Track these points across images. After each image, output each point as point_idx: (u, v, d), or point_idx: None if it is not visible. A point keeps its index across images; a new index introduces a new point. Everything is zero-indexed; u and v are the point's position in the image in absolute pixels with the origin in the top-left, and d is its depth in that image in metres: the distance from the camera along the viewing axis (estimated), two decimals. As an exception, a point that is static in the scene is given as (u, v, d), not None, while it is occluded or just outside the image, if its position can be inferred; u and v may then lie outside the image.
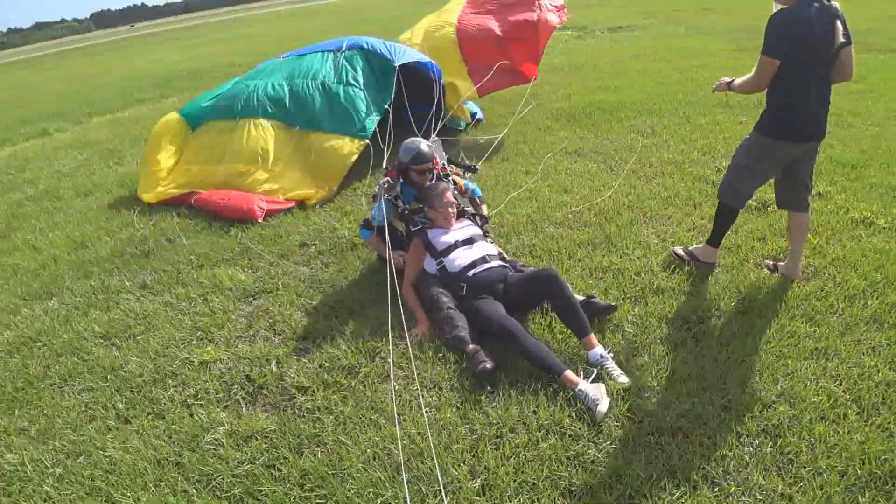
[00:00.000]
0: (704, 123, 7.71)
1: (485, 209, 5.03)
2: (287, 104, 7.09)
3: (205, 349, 4.14)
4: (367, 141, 6.69)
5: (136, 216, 6.71)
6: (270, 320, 4.37)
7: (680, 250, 4.54)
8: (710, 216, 4.81)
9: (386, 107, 6.88)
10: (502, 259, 4.24)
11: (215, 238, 5.85)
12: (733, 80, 3.99)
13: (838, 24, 3.52)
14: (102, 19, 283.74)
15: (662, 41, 14.62)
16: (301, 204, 6.39)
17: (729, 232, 4.53)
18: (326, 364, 3.80)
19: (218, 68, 19.27)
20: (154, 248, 5.83)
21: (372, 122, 6.79)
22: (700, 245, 4.47)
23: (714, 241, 4.34)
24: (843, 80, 3.75)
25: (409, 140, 4.70)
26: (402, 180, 4.68)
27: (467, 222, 4.47)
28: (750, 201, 5.27)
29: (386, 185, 4.61)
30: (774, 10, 3.61)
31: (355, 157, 6.64)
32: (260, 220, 6.02)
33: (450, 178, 4.74)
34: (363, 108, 6.86)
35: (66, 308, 4.98)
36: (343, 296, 4.53)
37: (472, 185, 4.99)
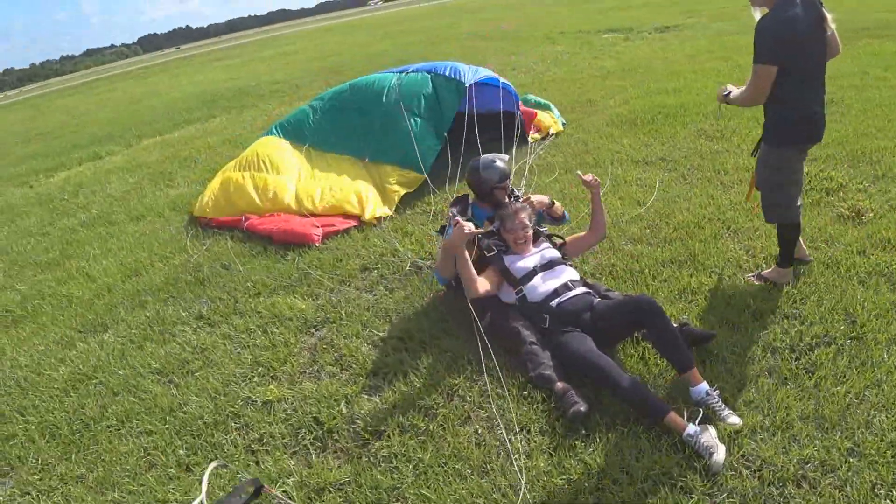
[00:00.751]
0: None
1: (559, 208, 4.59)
2: (353, 136, 7.26)
3: (267, 387, 3.88)
4: (425, 176, 6.57)
5: (189, 241, 6.53)
6: (336, 354, 4.09)
7: (753, 278, 4.17)
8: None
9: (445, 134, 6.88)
10: (585, 284, 3.87)
11: (271, 263, 5.62)
12: (730, 92, 3.89)
13: (824, 11, 3.49)
14: (150, 43, 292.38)
15: (715, 40, 14.05)
16: (359, 225, 6.13)
17: (825, 246, 4.21)
18: (401, 404, 3.49)
19: (262, 86, 19.32)
20: (209, 275, 5.63)
21: (432, 154, 6.76)
22: (771, 269, 4.14)
23: (784, 261, 4.02)
24: (833, 56, 3.71)
25: (483, 158, 4.32)
26: (470, 202, 4.37)
27: (545, 244, 4.10)
28: (843, 210, 4.87)
29: (457, 210, 4.28)
30: (756, 18, 3.54)
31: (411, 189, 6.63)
32: (317, 244, 5.77)
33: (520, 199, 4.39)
34: (425, 139, 6.82)
35: (122, 341, 4.79)
36: (411, 325, 4.23)
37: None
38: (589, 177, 4.01)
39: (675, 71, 11.11)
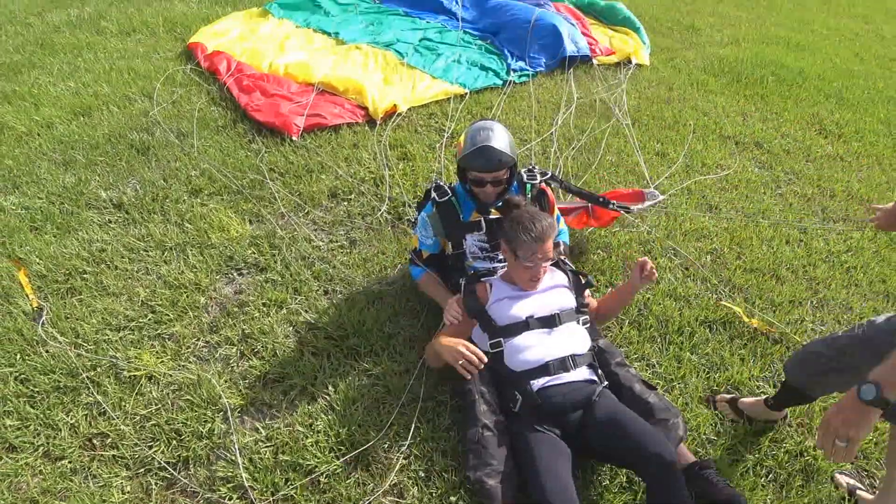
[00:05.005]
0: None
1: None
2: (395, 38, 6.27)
3: (143, 351, 2.89)
4: (466, 91, 5.43)
5: (162, 84, 5.34)
6: (247, 328, 3.04)
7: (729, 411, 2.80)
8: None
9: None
10: (596, 355, 2.64)
11: (232, 147, 4.46)
12: None
13: None
14: None
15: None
16: (360, 121, 4.88)
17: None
18: (287, 459, 2.46)
19: None
20: (156, 143, 4.51)
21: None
22: (753, 400, 2.78)
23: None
24: None
25: (478, 123, 2.87)
26: (459, 182, 3.03)
27: (559, 279, 2.76)
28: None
29: (434, 186, 3.02)
30: None
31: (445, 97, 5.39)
32: (295, 138, 4.56)
33: (544, 194, 3.05)
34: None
35: (21, 215, 3.79)
36: (354, 314, 3.12)
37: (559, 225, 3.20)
38: (647, 265, 2.58)
39: (804, 19, 9.01)
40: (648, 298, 3.35)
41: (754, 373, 2.99)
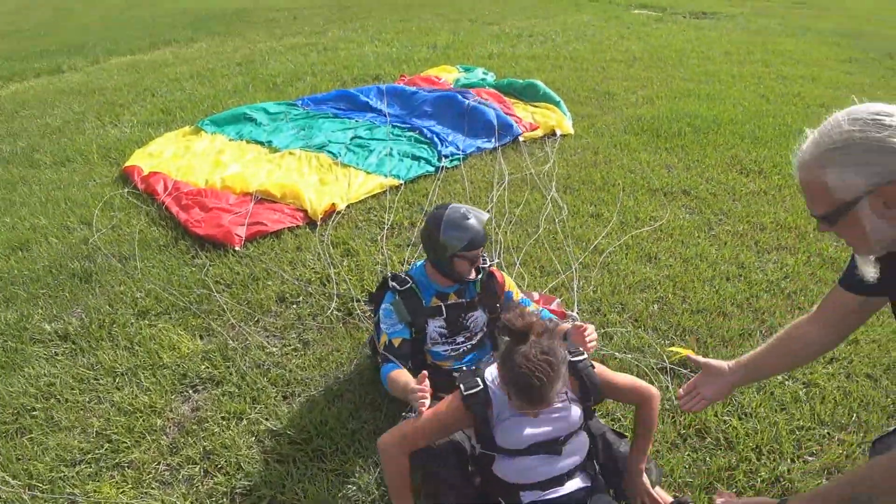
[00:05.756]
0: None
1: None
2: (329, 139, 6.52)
3: (102, 483, 2.81)
4: (401, 182, 5.66)
5: (99, 210, 5.37)
6: (208, 445, 3.01)
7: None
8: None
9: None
10: (588, 459, 2.43)
11: (176, 265, 4.48)
12: None
13: None
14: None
15: (756, 37, 12.60)
16: (301, 224, 4.98)
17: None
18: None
19: (258, 11, 17.64)
20: (99, 268, 4.50)
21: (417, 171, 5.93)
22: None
23: None
24: None
25: (450, 211, 2.85)
26: (416, 266, 3.10)
27: (568, 398, 2.33)
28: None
29: (391, 276, 3.03)
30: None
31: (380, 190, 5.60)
32: (238, 249, 4.62)
33: (493, 277, 3.10)
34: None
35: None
36: (315, 414, 3.11)
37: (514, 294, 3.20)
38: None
39: (710, 71, 9.73)
40: (603, 355, 3.46)
41: (718, 410, 3.09)
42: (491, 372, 2.30)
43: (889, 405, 3.15)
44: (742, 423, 3.03)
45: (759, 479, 2.73)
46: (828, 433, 2.99)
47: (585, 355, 2.38)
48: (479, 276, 3.03)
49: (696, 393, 2.22)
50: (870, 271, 1.59)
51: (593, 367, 2.35)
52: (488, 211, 4.98)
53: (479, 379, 2.28)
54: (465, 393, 2.24)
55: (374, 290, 3.23)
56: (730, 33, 13.25)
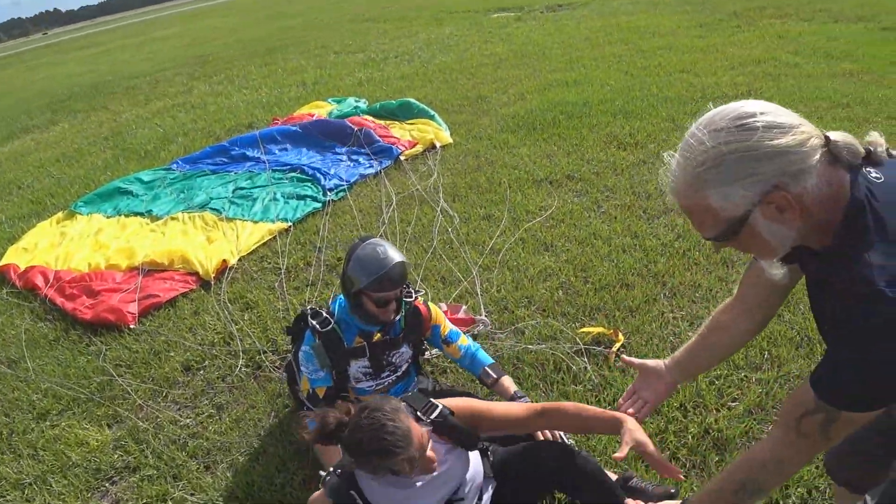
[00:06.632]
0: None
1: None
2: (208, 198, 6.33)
3: None
4: (289, 224, 5.53)
5: (-22, 316, 5.01)
6: (127, 539, 2.83)
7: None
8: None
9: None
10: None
11: (70, 358, 4.20)
12: None
13: None
14: (13, 27, 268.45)
15: (611, 20, 13.22)
16: (195, 286, 4.79)
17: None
18: None
19: (117, 81, 17.05)
20: (-14, 379, 4.20)
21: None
22: None
23: None
24: None
25: (366, 244, 2.68)
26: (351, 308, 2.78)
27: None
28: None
29: (310, 313, 2.82)
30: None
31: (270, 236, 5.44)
32: (133, 326, 4.42)
33: (418, 312, 2.91)
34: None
35: None
36: (252, 477, 2.96)
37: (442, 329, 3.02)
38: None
39: (573, 58, 10.09)
40: (518, 350, 3.48)
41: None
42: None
43: (795, 336, 3.29)
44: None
45: (689, 436, 2.78)
46: (745, 376, 3.10)
47: (440, 407, 2.13)
48: (401, 314, 2.83)
49: (636, 398, 2.11)
50: (777, 273, 1.47)
51: (452, 413, 2.14)
52: (380, 235, 4.95)
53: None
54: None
55: (289, 325, 3.08)
56: (586, 20, 13.84)
